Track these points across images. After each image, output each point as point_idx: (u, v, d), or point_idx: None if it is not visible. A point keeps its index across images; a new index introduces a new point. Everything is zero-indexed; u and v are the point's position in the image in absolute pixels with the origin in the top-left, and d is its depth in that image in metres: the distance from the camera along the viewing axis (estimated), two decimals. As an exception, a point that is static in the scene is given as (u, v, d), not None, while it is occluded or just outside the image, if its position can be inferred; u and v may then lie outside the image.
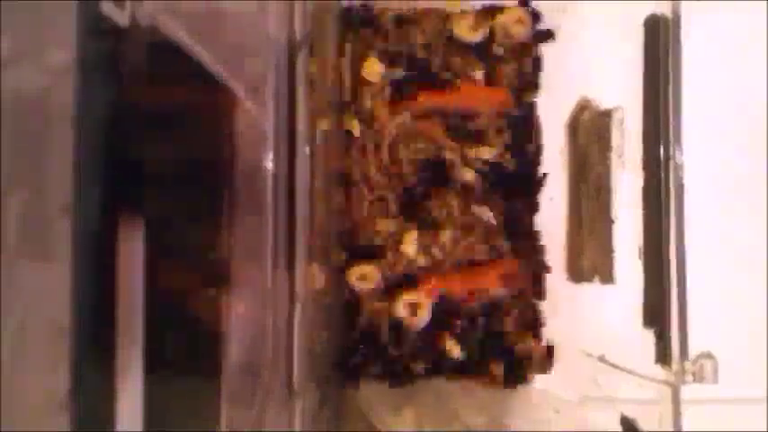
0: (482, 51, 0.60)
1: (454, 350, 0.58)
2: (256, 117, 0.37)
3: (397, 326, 0.59)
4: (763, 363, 0.53)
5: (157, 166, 0.24)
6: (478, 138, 0.60)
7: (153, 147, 0.23)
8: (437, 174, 0.60)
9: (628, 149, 0.48)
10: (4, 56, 0.15)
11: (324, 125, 0.51)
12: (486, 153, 0.59)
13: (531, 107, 0.60)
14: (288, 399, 0.41)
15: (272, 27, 0.40)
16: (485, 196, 0.60)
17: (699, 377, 0.40)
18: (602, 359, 0.50)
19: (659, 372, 0.42)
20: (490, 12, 0.60)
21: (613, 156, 0.50)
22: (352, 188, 0.59)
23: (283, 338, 0.40)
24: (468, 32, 0.60)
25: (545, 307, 0.60)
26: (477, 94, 0.60)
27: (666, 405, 0.41)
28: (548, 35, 0.59)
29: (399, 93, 0.60)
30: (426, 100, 0.60)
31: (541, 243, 0.60)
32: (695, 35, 0.44)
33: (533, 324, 0.60)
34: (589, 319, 0.54)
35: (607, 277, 0.51)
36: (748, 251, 0.56)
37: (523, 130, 0.60)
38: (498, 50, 0.60)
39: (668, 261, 0.42)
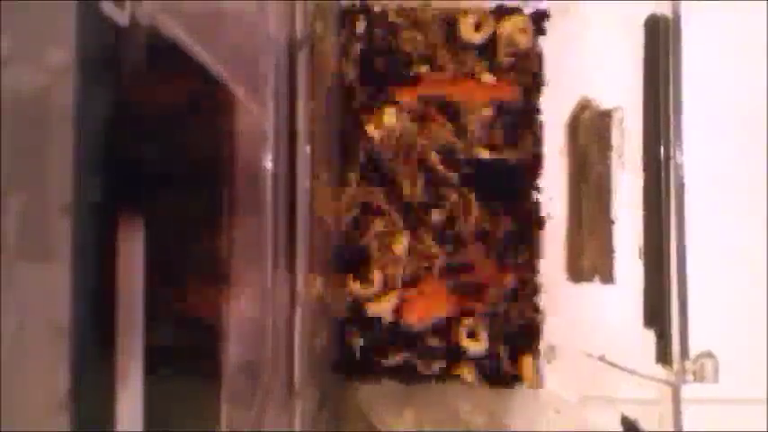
0: (485, 52, 0.60)
1: (472, 346, 0.58)
2: (256, 117, 0.37)
3: (397, 325, 0.59)
4: (764, 363, 0.53)
5: (157, 166, 0.24)
6: (480, 138, 0.60)
7: (153, 147, 0.23)
8: (438, 173, 0.60)
9: (628, 149, 0.48)
10: (4, 56, 0.15)
11: (324, 125, 0.51)
12: (488, 154, 0.60)
13: (533, 107, 0.61)
14: (288, 399, 0.41)
15: (272, 27, 0.40)
16: (485, 196, 0.60)
17: (699, 377, 0.40)
18: (602, 359, 0.50)
19: (660, 371, 0.42)
20: (495, 15, 0.60)
21: (613, 156, 0.50)
22: (352, 188, 0.59)
23: (283, 339, 0.40)
24: (471, 33, 0.60)
25: (545, 307, 0.60)
26: (482, 88, 0.60)
27: (667, 405, 0.41)
28: (543, 15, 0.60)
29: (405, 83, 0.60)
30: (428, 87, 0.60)
31: (541, 244, 0.60)
32: (695, 35, 0.44)
33: (532, 328, 0.60)
34: (589, 319, 0.54)
35: (607, 277, 0.51)
36: (748, 251, 0.56)
37: (524, 129, 0.60)
38: (500, 55, 0.60)
39: (668, 261, 0.42)
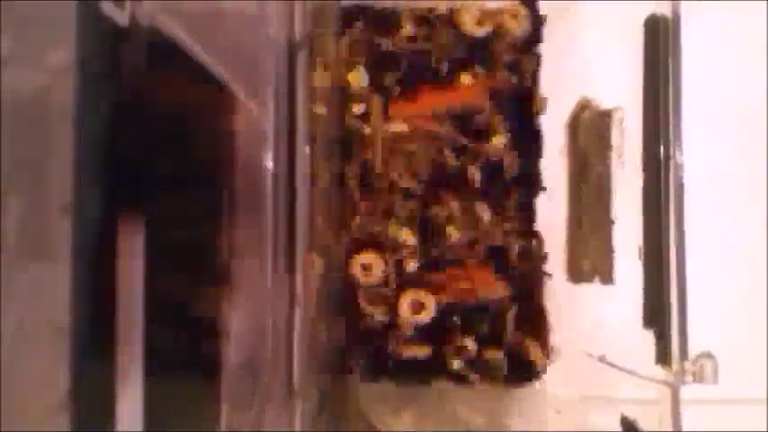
0: (484, 47, 0.60)
1: (470, 344, 0.58)
2: (256, 117, 0.37)
3: (397, 324, 0.59)
4: (763, 363, 0.53)
5: (157, 166, 0.24)
6: (485, 131, 0.60)
7: (153, 147, 0.23)
8: (437, 172, 0.60)
9: (628, 149, 0.48)
10: (4, 56, 0.15)
11: (324, 125, 0.51)
12: (500, 141, 0.59)
13: (532, 106, 0.60)
14: (288, 399, 0.41)
15: (272, 27, 0.40)
16: (485, 196, 0.60)
17: (699, 377, 0.40)
18: (602, 359, 0.50)
19: (659, 372, 0.42)
20: (496, 8, 0.60)
21: (613, 156, 0.50)
22: (351, 189, 0.59)
23: (283, 338, 0.40)
24: (473, 26, 0.60)
25: (545, 307, 0.60)
26: (477, 87, 0.60)
27: (666, 405, 0.41)
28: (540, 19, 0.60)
29: (397, 95, 0.60)
30: (426, 102, 0.60)
31: (542, 244, 0.60)
32: (695, 35, 0.44)
33: (534, 327, 0.60)
34: (589, 319, 0.54)
35: (607, 277, 0.51)
36: (748, 251, 0.56)
37: (525, 130, 0.60)
38: (498, 46, 0.60)
39: (668, 261, 0.42)
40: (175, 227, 0.27)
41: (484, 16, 0.59)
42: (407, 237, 0.59)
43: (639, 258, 0.45)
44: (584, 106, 0.55)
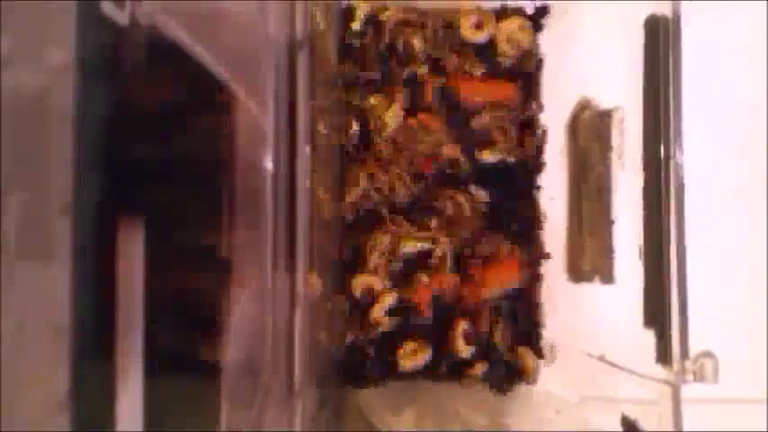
0: (485, 52, 0.60)
1: (464, 350, 0.58)
2: (256, 117, 0.37)
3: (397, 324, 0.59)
4: (763, 363, 0.53)
5: (157, 166, 0.24)
6: (482, 138, 0.60)
7: (153, 147, 0.23)
8: (437, 172, 0.60)
9: (628, 149, 0.48)
10: (4, 56, 0.15)
11: (324, 125, 0.51)
12: (490, 156, 0.59)
13: (533, 109, 0.61)
14: (288, 399, 0.41)
15: (272, 27, 0.40)
16: (485, 195, 0.60)
17: (699, 377, 0.40)
18: (602, 359, 0.50)
19: (659, 371, 0.42)
20: (496, 15, 0.60)
21: (613, 156, 0.50)
22: (351, 189, 0.59)
23: (283, 339, 0.40)
24: (472, 32, 0.60)
25: (545, 307, 0.60)
26: (481, 88, 0.60)
27: (667, 405, 0.41)
28: (544, 11, 0.60)
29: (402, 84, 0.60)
30: (428, 101, 0.60)
31: (542, 244, 0.60)
32: (695, 35, 0.44)
33: (532, 325, 0.60)
34: (589, 319, 0.54)
35: (607, 277, 0.51)
36: (748, 251, 0.56)
37: (524, 129, 0.60)
38: (501, 54, 0.60)
39: (668, 261, 0.42)
40: (175, 227, 0.27)
41: (482, 22, 0.60)
42: (407, 237, 0.59)
43: (639, 258, 0.45)
44: (584, 106, 0.55)
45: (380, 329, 0.58)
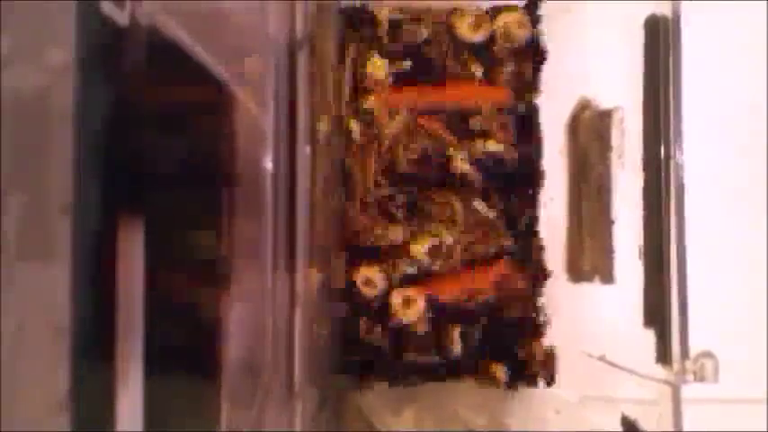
0: (483, 51, 0.60)
1: (456, 346, 0.58)
2: (256, 117, 0.37)
3: (396, 326, 0.59)
4: (764, 363, 0.53)
5: (157, 166, 0.24)
6: (481, 135, 0.60)
7: (153, 147, 0.23)
8: (437, 172, 0.60)
9: (628, 149, 0.48)
10: (4, 56, 0.15)
11: (324, 125, 0.51)
12: (493, 146, 0.59)
13: (532, 107, 0.61)
14: (288, 399, 0.41)
15: (272, 27, 0.40)
16: (485, 194, 0.60)
17: (699, 377, 0.40)
18: (602, 359, 0.50)
19: (660, 371, 0.42)
20: (492, 12, 0.60)
21: (613, 156, 0.50)
22: (352, 189, 0.59)
23: (283, 338, 0.40)
24: (469, 32, 0.60)
25: (545, 307, 0.60)
26: (476, 91, 0.60)
27: (667, 405, 0.41)
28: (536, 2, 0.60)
29: (400, 82, 0.60)
30: (426, 95, 0.60)
31: (542, 244, 0.60)
32: (695, 35, 0.44)
33: (534, 326, 0.60)
34: (589, 319, 0.54)
35: (607, 277, 0.51)
36: (748, 251, 0.56)
37: (524, 129, 0.60)
38: (499, 51, 0.60)
39: (668, 261, 0.42)
40: (175, 227, 0.27)
41: (479, 22, 0.59)
42: (407, 237, 0.59)
43: (639, 258, 0.45)
44: (584, 106, 0.55)
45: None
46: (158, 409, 0.22)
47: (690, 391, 0.41)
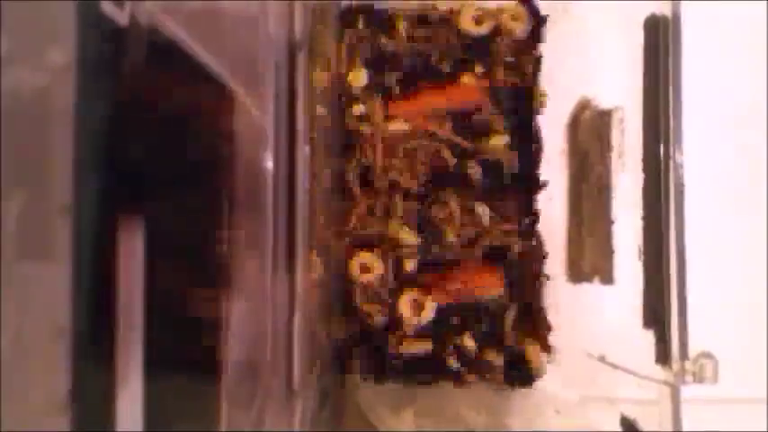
0: (484, 46, 0.60)
1: (469, 343, 0.58)
2: (256, 117, 0.37)
3: (396, 324, 0.59)
4: (763, 363, 0.53)
5: (157, 166, 0.24)
6: (484, 130, 0.60)
7: (153, 147, 0.23)
8: (437, 172, 0.60)
9: (628, 149, 0.48)
10: (4, 56, 0.15)
11: (323, 125, 0.51)
12: (500, 140, 0.59)
13: (532, 108, 0.61)
14: (288, 399, 0.41)
15: (272, 27, 0.40)
16: (485, 195, 0.60)
17: (699, 377, 0.40)
18: (602, 359, 0.50)
19: (659, 372, 0.42)
20: (495, 8, 0.60)
21: (613, 156, 0.50)
22: (351, 189, 0.59)
23: (283, 339, 0.40)
24: (472, 25, 0.60)
25: (545, 307, 0.60)
26: (478, 87, 0.60)
27: (666, 405, 0.41)
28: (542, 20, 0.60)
29: (397, 95, 0.60)
30: (426, 101, 0.60)
31: (542, 245, 0.60)
32: (695, 35, 0.44)
33: (534, 326, 0.60)
34: (589, 319, 0.54)
35: (607, 277, 0.51)
36: (748, 251, 0.56)
37: (524, 130, 0.60)
38: (500, 46, 0.60)
39: (668, 261, 0.42)
40: (175, 227, 0.27)
41: (482, 16, 0.59)
42: (407, 236, 0.59)
43: (639, 258, 0.45)
44: (584, 106, 0.55)
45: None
46: (158, 410, 0.22)
47: (689, 391, 0.41)
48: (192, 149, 0.29)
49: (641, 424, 0.44)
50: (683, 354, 0.41)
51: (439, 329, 0.59)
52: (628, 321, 0.45)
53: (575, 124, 0.56)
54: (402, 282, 0.59)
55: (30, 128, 0.16)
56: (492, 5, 0.60)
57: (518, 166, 0.60)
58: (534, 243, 0.60)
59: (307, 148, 0.44)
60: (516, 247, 0.60)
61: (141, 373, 0.21)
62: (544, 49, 0.60)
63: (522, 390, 0.59)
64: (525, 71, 0.60)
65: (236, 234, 0.34)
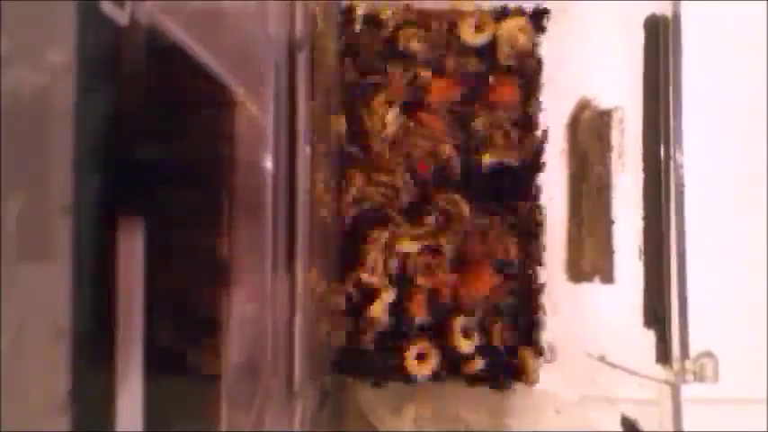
0: (485, 55, 0.60)
1: (464, 345, 0.58)
2: (256, 117, 0.37)
3: (395, 325, 0.59)
4: (764, 363, 0.53)
5: (157, 166, 0.24)
6: (482, 141, 0.60)
7: (153, 147, 0.23)
8: (436, 172, 0.60)
9: (628, 149, 0.48)
10: (4, 56, 0.15)
11: (323, 125, 0.51)
12: (489, 159, 0.60)
13: (534, 109, 0.61)
14: (288, 399, 0.41)
15: (272, 27, 0.40)
16: (485, 195, 0.60)
17: (699, 377, 0.40)
18: (602, 359, 0.50)
19: (660, 371, 0.42)
20: (495, 16, 0.60)
21: (613, 156, 0.50)
22: (350, 188, 0.59)
23: (283, 339, 0.40)
24: (471, 35, 0.60)
25: (545, 307, 0.60)
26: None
27: (667, 405, 0.41)
28: (543, 13, 0.60)
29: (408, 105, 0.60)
30: (427, 101, 0.60)
31: (540, 248, 0.60)
32: (695, 35, 0.44)
33: (526, 330, 0.60)
34: (589, 319, 0.54)
35: (607, 277, 0.51)
36: (748, 251, 0.56)
37: (525, 130, 0.60)
38: (501, 55, 0.60)
39: (668, 261, 0.42)
40: (175, 227, 0.27)
41: (481, 24, 0.60)
42: (408, 245, 0.59)
43: (639, 258, 0.45)
44: (584, 106, 0.55)
45: (378, 329, 0.58)
46: (158, 410, 0.22)
47: (690, 390, 0.41)
48: (191, 149, 0.29)
49: (641, 424, 0.44)
50: (684, 353, 0.41)
51: (437, 330, 0.59)
52: (628, 321, 0.45)
53: (575, 124, 0.56)
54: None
55: (30, 128, 0.16)
56: (492, 6, 0.60)
57: (518, 167, 0.60)
58: (534, 243, 0.60)
59: (307, 148, 0.44)
60: (516, 248, 0.60)
61: (141, 373, 0.21)
62: (544, 49, 0.60)
63: (522, 390, 0.59)
64: (526, 74, 0.60)
65: (236, 234, 0.34)
